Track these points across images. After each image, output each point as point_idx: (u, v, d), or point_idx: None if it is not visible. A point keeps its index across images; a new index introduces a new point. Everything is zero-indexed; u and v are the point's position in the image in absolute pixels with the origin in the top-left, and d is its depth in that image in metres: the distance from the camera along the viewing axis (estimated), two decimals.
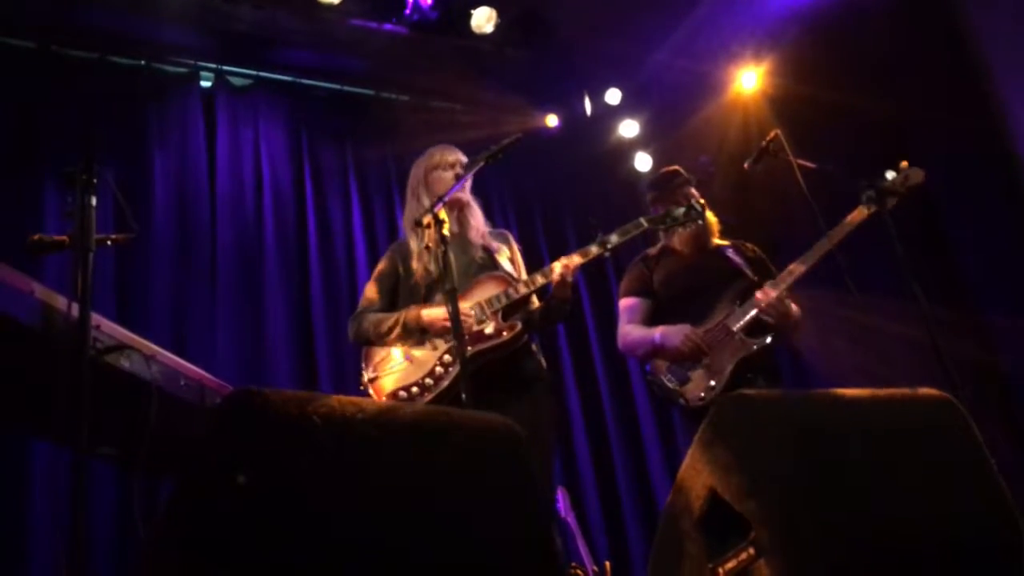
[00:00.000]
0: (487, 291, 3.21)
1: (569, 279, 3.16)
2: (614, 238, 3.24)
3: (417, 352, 3.19)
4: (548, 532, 1.78)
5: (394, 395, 3.14)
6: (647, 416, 5.87)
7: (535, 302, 3.35)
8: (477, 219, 3.48)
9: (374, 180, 5.70)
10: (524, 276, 3.41)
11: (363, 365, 3.27)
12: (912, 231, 3.43)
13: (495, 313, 3.15)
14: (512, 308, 3.19)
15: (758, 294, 3.43)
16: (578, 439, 5.60)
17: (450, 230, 3.34)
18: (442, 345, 3.16)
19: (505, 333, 3.13)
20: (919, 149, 4.93)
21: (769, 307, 3.39)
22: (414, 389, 3.12)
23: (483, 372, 3.01)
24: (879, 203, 3.29)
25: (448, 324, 3.00)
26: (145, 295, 4.57)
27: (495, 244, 3.45)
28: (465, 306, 3.14)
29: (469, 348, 3.05)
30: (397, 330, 3.20)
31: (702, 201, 3.38)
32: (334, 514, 1.49)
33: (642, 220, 3.30)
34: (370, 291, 3.42)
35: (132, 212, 2.34)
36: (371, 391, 3.20)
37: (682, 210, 3.32)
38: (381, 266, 3.48)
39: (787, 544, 1.77)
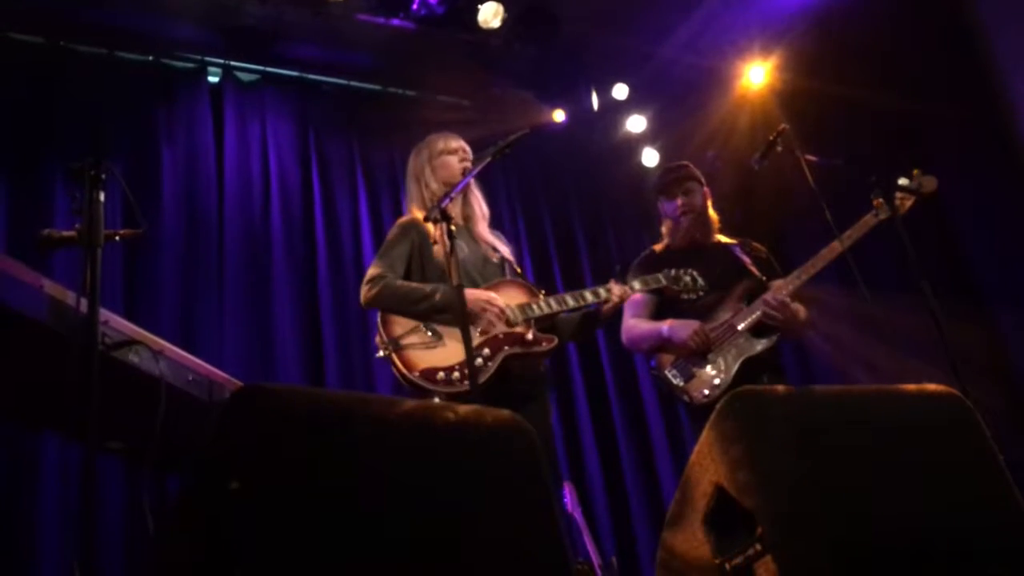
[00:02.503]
0: (515, 296, 3.20)
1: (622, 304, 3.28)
2: (637, 285, 3.31)
3: (452, 332, 3.03)
4: (557, 528, 1.78)
5: (431, 373, 2.96)
6: (654, 411, 5.87)
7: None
8: (481, 204, 3.46)
9: (381, 175, 5.70)
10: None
11: (381, 331, 3.09)
12: (921, 227, 3.41)
13: (527, 321, 3.13)
14: (539, 319, 3.18)
15: (765, 296, 3.43)
16: (585, 434, 5.60)
17: (454, 218, 3.35)
18: (476, 336, 3.04)
19: (544, 344, 3.13)
20: (927, 144, 4.93)
21: (775, 310, 3.38)
22: (455, 374, 2.94)
23: (511, 371, 3.04)
24: (891, 206, 3.28)
25: (490, 309, 3.04)
26: (153, 290, 4.58)
27: (500, 245, 3.45)
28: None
29: (506, 348, 3.05)
30: (433, 300, 3.04)
31: (703, 281, 3.38)
32: (341, 509, 1.49)
33: (660, 277, 3.34)
34: (389, 256, 3.27)
35: (140, 208, 2.35)
36: (396, 360, 3.01)
37: (688, 279, 3.35)
38: (398, 234, 3.35)
39: (792, 540, 1.77)
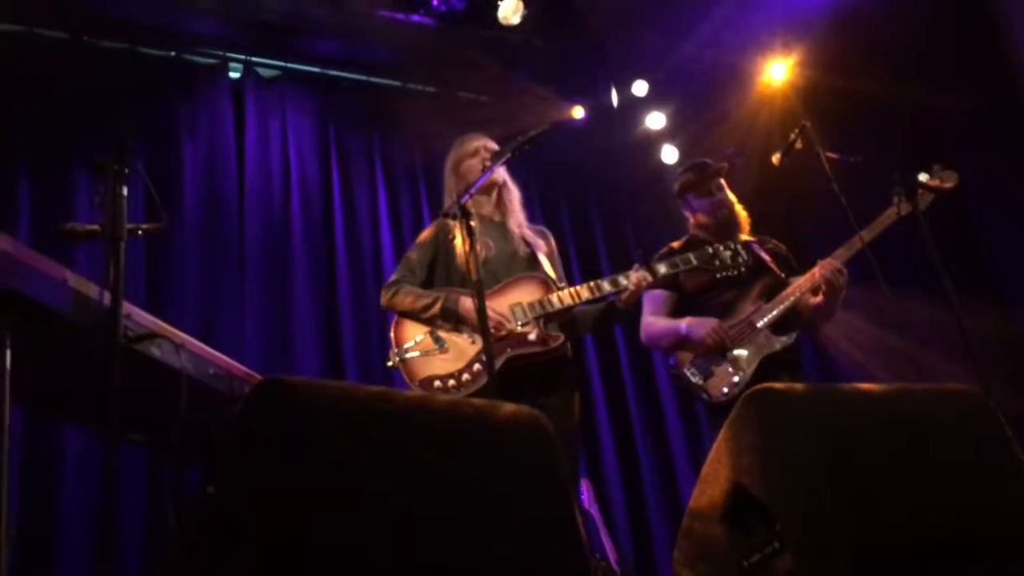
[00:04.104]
0: (528, 293, 3.17)
1: (643, 290, 3.17)
2: (663, 268, 3.19)
3: (456, 339, 3.13)
4: (574, 523, 1.78)
5: (428, 382, 3.06)
6: (671, 408, 5.86)
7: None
8: (515, 202, 3.46)
9: (400, 170, 5.72)
10: (561, 276, 3.41)
11: (392, 340, 3.20)
12: (943, 225, 3.39)
13: (537, 320, 3.11)
14: (553, 315, 3.16)
15: (820, 264, 3.39)
16: (602, 431, 5.60)
17: (489, 215, 3.37)
18: (480, 339, 3.03)
19: (549, 343, 3.09)
20: (951, 142, 4.89)
21: (831, 275, 3.34)
22: (451, 382, 3.04)
23: (517, 370, 3.02)
24: (912, 201, 3.25)
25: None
26: (174, 284, 4.62)
27: (535, 240, 3.42)
28: (504, 304, 3.13)
29: (508, 350, 3.05)
30: (434, 310, 3.13)
31: (746, 254, 3.25)
32: (358, 503, 1.50)
33: (691, 257, 3.22)
34: (409, 261, 3.36)
35: (162, 202, 2.37)
36: (402, 371, 3.12)
37: (728, 253, 3.21)
38: (423, 238, 3.43)
39: (811, 537, 1.77)
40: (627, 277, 3.13)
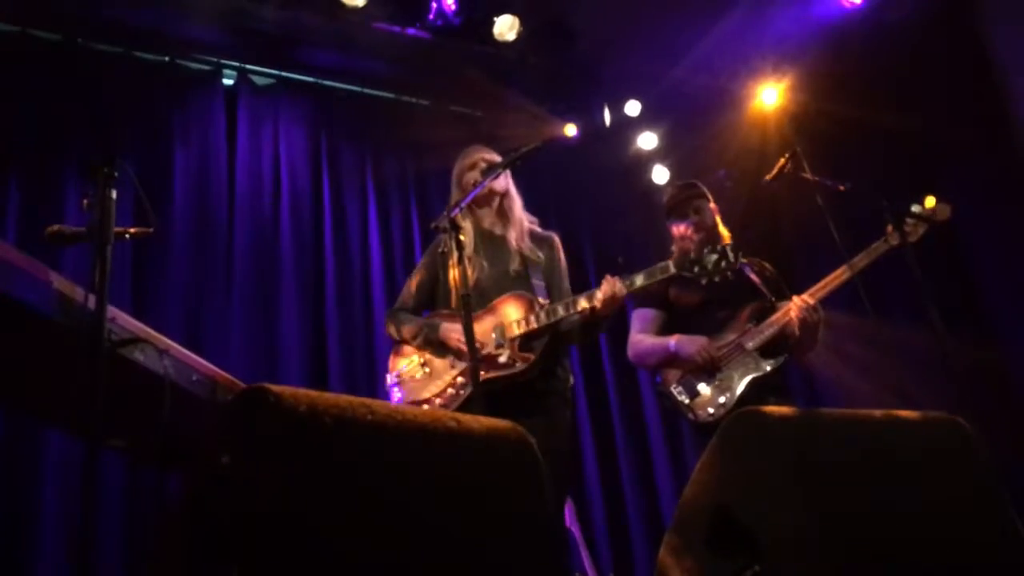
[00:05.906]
0: (512, 312, 3.16)
1: (618, 302, 3.08)
2: (639, 280, 3.09)
3: (437, 363, 3.21)
4: (555, 540, 1.77)
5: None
6: (656, 427, 5.86)
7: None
8: (516, 211, 3.43)
9: (392, 183, 5.72)
10: (566, 283, 3.40)
11: (390, 364, 3.32)
12: (932, 253, 3.40)
13: (512, 341, 3.09)
14: (533, 334, 3.12)
15: (796, 300, 3.41)
16: (586, 449, 5.59)
17: (489, 228, 3.36)
18: (459, 363, 3.15)
19: (518, 364, 3.07)
20: (942, 167, 4.93)
21: (811, 311, 3.36)
22: (424, 407, 3.08)
23: (496, 393, 2.98)
24: (900, 234, 3.26)
25: (460, 345, 3.04)
26: (161, 289, 4.59)
27: (536, 251, 3.38)
28: (488, 325, 3.13)
29: (481, 373, 2.97)
30: (419, 339, 3.25)
31: (733, 256, 3.09)
32: (340, 513, 1.49)
33: (670, 264, 3.08)
34: (409, 286, 3.47)
35: (151, 206, 2.35)
36: (392, 394, 3.26)
37: (714, 257, 3.04)
38: (423, 263, 3.51)
39: (793, 562, 1.76)
40: (602, 290, 3.06)
